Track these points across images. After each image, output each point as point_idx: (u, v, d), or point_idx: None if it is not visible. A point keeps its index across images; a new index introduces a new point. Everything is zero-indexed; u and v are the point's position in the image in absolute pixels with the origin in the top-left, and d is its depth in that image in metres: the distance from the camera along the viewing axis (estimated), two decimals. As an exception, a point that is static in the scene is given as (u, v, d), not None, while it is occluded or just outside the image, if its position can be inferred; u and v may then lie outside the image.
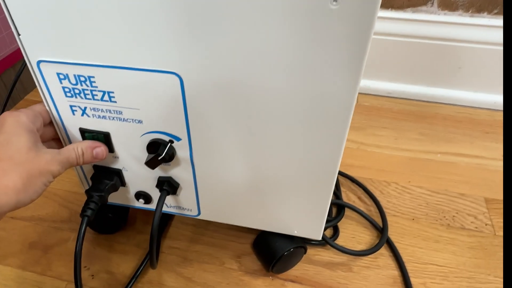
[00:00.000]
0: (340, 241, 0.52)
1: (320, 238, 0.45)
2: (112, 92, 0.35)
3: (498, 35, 0.65)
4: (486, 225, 0.54)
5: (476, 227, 0.54)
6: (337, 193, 0.57)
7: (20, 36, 0.33)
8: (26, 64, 0.37)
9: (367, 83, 0.77)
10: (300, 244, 0.46)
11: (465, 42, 0.67)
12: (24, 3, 0.31)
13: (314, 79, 0.30)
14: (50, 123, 0.39)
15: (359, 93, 0.79)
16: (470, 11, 0.65)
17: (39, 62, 0.34)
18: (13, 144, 0.32)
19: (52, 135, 0.40)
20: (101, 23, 0.30)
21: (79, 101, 0.37)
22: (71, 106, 0.37)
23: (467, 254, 0.50)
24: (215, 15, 0.28)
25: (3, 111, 0.65)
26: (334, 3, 0.25)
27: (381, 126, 0.71)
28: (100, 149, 0.38)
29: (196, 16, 0.28)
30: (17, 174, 0.31)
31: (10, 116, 0.34)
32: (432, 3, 0.66)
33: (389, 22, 0.69)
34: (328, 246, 0.50)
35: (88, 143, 0.38)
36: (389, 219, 0.54)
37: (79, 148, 0.37)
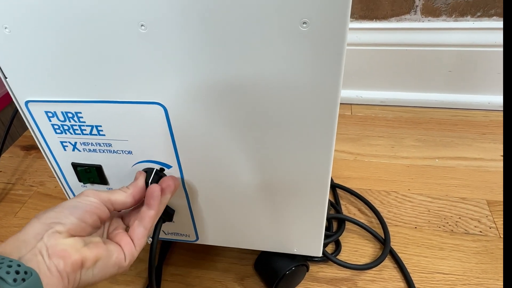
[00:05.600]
0: (342, 255, 0.51)
1: (320, 255, 0.44)
2: (100, 126, 0.36)
3: (484, 37, 0.66)
4: (490, 228, 0.53)
5: (480, 231, 0.53)
6: (336, 207, 0.57)
7: (6, 79, 0.34)
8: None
9: (359, 93, 0.78)
10: (301, 262, 0.45)
11: (452, 46, 0.67)
12: (8, 47, 0.31)
13: (295, 95, 0.30)
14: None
15: (352, 104, 0.80)
16: (453, 16, 0.66)
17: (27, 102, 0.35)
18: None
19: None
20: (83, 61, 0.31)
21: (69, 137, 0.37)
22: (61, 142, 0.38)
23: (473, 260, 0.50)
24: (194, 47, 0.29)
25: (1, 147, 0.66)
26: (304, 25, 0.25)
27: (376, 136, 0.71)
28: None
29: (174, 48, 0.29)
30: None
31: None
32: (415, 11, 0.67)
33: (375, 32, 0.70)
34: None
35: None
36: (391, 229, 0.54)
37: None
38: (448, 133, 0.70)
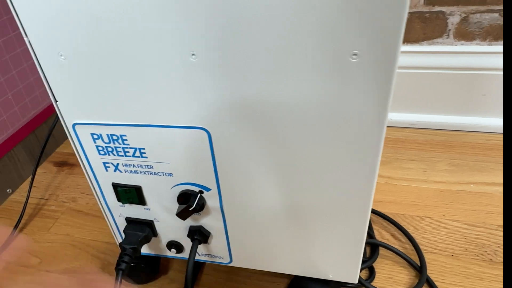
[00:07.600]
0: (376, 282, 0.50)
1: (356, 282, 0.43)
2: (143, 149, 0.36)
3: (520, 61, 0.65)
4: (532, 258, 0.51)
5: (521, 262, 0.51)
6: (369, 232, 0.56)
7: (57, 102, 0.35)
8: (57, 120, 0.38)
9: (389, 115, 0.77)
10: (335, 289, 0.44)
11: (486, 70, 0.66)
12: (61, 73, 0.33)
13: (342, 121, 0.30)
14: None
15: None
16: (487, 40, 0.65)
17: (74, 124, 0.36)
18: None
19: None
20: (131, 87, 0.32)
21: (111, 158, 0.38)
22: (104, 163, 0.39)
23: (516, 292, 0.47)
24: (243, 74, 0.29)
25: (37, 164, 0.68)
26: (354, 57, 0.25)
27: (408, 159, 0.70)
28: None
29: (222, 75, 0.30)
30: None
31: None
32: (448, 35, 0.66)
33: (406, 55, 0.69)
34: (365, 289, 0.48)
35: None
36: (426, 256, 0.52)
37: None
38: (482, 158, 0.68)
